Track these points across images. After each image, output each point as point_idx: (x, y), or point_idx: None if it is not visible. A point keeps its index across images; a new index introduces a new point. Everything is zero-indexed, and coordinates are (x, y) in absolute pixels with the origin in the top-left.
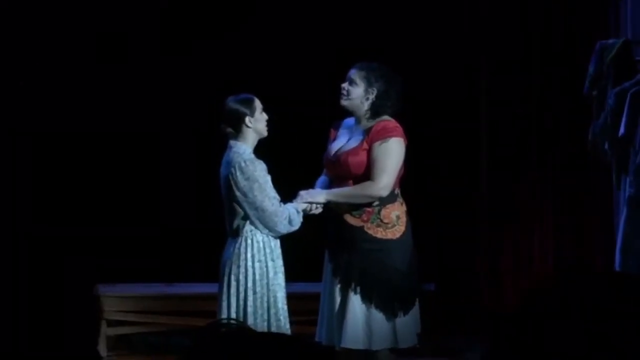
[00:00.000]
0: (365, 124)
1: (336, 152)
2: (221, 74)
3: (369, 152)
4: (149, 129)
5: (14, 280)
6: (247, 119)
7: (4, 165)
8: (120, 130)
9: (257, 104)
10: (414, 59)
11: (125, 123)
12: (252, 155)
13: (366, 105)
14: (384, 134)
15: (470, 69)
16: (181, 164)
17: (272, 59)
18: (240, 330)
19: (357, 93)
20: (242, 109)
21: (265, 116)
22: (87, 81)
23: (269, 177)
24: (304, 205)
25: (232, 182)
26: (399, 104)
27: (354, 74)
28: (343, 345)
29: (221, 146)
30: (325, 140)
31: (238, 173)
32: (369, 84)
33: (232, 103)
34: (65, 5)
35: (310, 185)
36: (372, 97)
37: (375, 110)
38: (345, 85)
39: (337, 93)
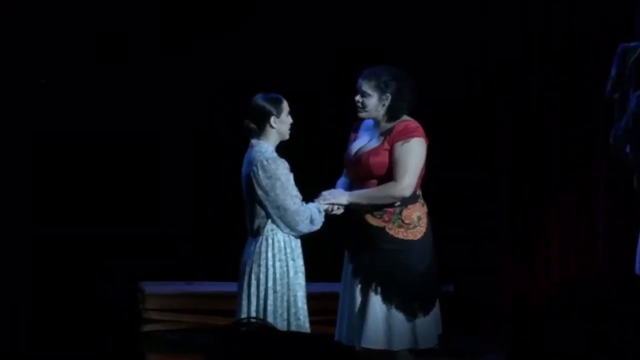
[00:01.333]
0: (385, 124)
1: (357, 152)
2: (221, 74)
3: (391, 152)
4: (149, 129)
5: (31, 280)
6: (272, 119)
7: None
8: (118, 130)
9: (285, 105)
10: (420, 59)
11: (124, 123)
12: (275, 154)
13: (383, 111)
14: (406, 134)
15: (479, 69)
16: (186, 163)
17: (272, 58)
18: (263, 328)
19: (372, 103)
20: (270, 107)
21: (290, 119)
22: (87, 81)
23: (291, 176)
24: (326, 206)
25: (253, 180)
26: (415, 100)
27: (363, 85)
28: (363, 345)
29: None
30: (334, 140)
31: (260, 171)
32: (381, 92)
33: (260, 100)
34: (65, 5)
35: (330, 185)
36: (387, 102)
37: (393, 113)
38: (358, 98)
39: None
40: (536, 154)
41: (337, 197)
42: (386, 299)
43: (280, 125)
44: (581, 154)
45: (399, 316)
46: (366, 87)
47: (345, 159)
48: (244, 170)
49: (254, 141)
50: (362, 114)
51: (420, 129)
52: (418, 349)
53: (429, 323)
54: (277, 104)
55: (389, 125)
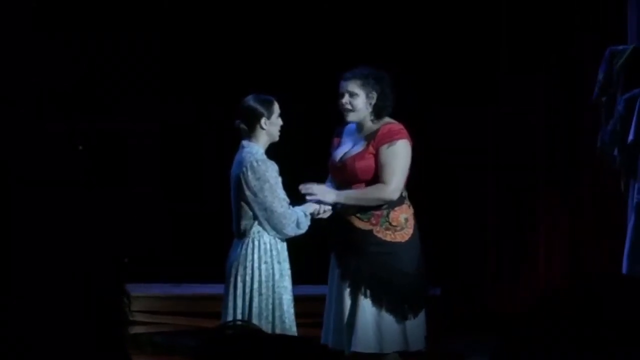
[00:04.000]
0: (369, 127)
1: (342, 157)
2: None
3: (376, 155)
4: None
5: None
6: (263, 120)
7: None
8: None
9: (276, 107)
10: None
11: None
12: (264, 156)
13: (370, 110)
14: (391, 137)
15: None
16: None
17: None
18: (249, 331)
19: (361, 103)
20: (261, 109)
21: (280, 121)
22: None
23: (280, 179)
24: (313, 209)
25: (242, 181)
26: (393, 100)
27: (349, 85)
28: (354, 349)
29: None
30: (326, 143)
31: (249, 172)
32: (368, 90)
33: (251, 101)
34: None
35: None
36: (373, 101)
37: (378, 113)
38: (345, 100)
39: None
40: (523, 155)
41: (324, 194)
42: (376, 302)
43: (271, 127)
44: (568, 155)
45: (389, 319)
46: (352, 86)
47: (330, 165)
48: (233, 170)
49: (244, 142)
50: (351, 116)
51: (404, 131)
52: (408, 351)
53: (418, 325)
54: (269, 105)
55: (373, 128)
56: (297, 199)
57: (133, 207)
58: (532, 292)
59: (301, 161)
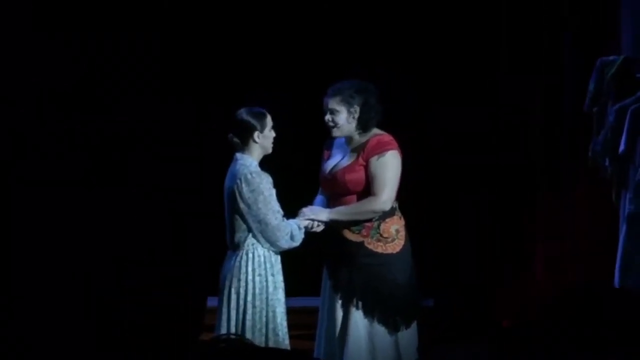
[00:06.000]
0: (358, 140)
1: (332, 169)
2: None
3: (367, 167)
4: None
5: None
6: (255, 134)
7: None
8: None
9: (269, 120)
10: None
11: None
12: (258, 168)
13: (354, 124)
14: (380, 148)
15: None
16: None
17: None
18: (241, 345)
19: (343, 119)
20: (253, 122)
21: (273, 134)
22: None
23: (274, 191)
24: (306, 222)
25: (237, 193)
26: (381, 109)
27: (330, 103)
28: None
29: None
30: (318, 155)
31: (244, 185)
32: (349, 105)
33: (244, 115)
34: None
35: (308, 201)
36: (356, 115)
37: (364, 125)
38: (328, 117)
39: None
40: (517, 166)
41: (318, 214)
42: (368, 314)
43: (264, 140)
44: (562, 166)
45: (381, 330)
46: (333, 104)
47: (321, 177)
48: (227, 183)
49: (238, 155)
50: (336, 132)
51: (394, 142)
52: None
53: (410, 336)
54: (261, 119)
55: (362, 140)
56: (290, 211)
57: (133, 207)
58: (530, 300)
59: (294, 173)
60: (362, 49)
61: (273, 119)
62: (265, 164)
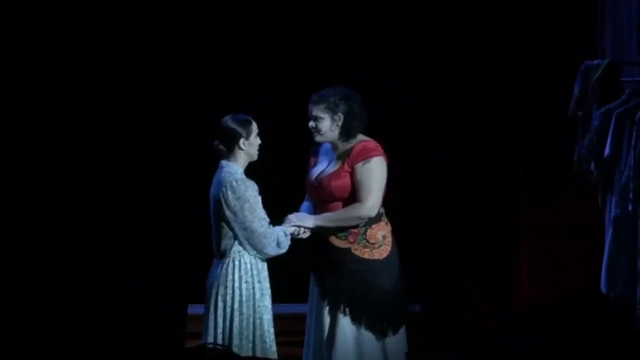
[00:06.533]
0: (343, 146)
1: (317, 176)
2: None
3: (352, 174)
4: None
5: None
6: (241, 141)
7: None
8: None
9: (254, 127)
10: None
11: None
12: (244, 176)
13: (338, 131)
14: (365, 154)
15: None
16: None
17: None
18: (227, 354)
19: (326, 126)
20: (239, 129)
21: (258, 140)
22: None
23: (259, 198)
24: (293, 229)
25: (222, 201)
26: (365, 117)
27: (314, 110)
28: None
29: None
30: (304, 161)
31: (229, 192)
32: (332, 112)
33: (229, 122)
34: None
35: (294, 208)
36: (340, 122)
37: (348, 132)
38: (311, 124)
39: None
40: (502, 171)
41: (304, 221)
42: (355, 320)
43: (249, 147)
44: (548, 171)
45: (369, 336)
46: (317, 111)
47: (307, 184)
48: (212, 190)
49: (223, 162)
50: (319, 138)
51: (379, 148)
52: None
53: (398, 342)
54: (246, 126)
55: (347, 146)
56: (276, 218)
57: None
58: (513, 309)
59: (280, 180)
60: (362, 49)
61: (260, 126)
62: (251, 171)
